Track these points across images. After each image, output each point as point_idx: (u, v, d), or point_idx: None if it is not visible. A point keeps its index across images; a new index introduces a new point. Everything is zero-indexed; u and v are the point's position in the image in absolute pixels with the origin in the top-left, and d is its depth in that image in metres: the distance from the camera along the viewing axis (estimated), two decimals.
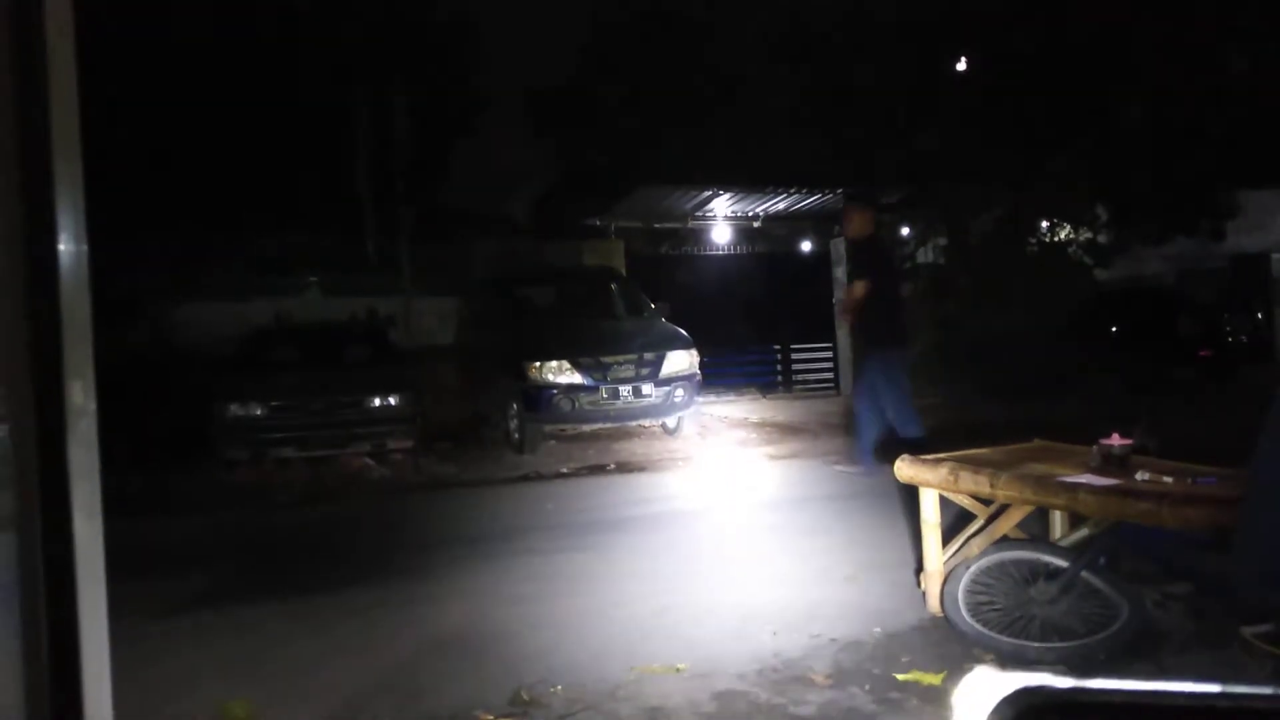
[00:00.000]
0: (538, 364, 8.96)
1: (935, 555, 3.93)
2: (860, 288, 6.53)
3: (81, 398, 1.00)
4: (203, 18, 13.66)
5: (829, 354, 14.85)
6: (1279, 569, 2.09)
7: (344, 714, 3.21)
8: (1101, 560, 3.44)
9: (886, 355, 6.62)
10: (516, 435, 9.25)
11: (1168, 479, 3.35)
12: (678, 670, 3.40)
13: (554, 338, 9.42)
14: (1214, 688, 0.75)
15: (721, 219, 14.05)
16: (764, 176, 13.16)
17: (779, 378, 15.21)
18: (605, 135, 17.48)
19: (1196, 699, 0.75)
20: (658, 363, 9.24)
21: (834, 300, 14.40)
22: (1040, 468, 3.73)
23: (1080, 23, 13.80)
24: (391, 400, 8.92)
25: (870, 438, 6.82)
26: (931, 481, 3.86)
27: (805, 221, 14.71)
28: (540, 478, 7.97)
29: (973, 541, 3.94)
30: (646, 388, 9.14)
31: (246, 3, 14.38)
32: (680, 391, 9.30)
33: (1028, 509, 3.80)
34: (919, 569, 4.21)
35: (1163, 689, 0.77)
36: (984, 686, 0.75)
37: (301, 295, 13.35)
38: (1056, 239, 15.20)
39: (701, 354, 9.72)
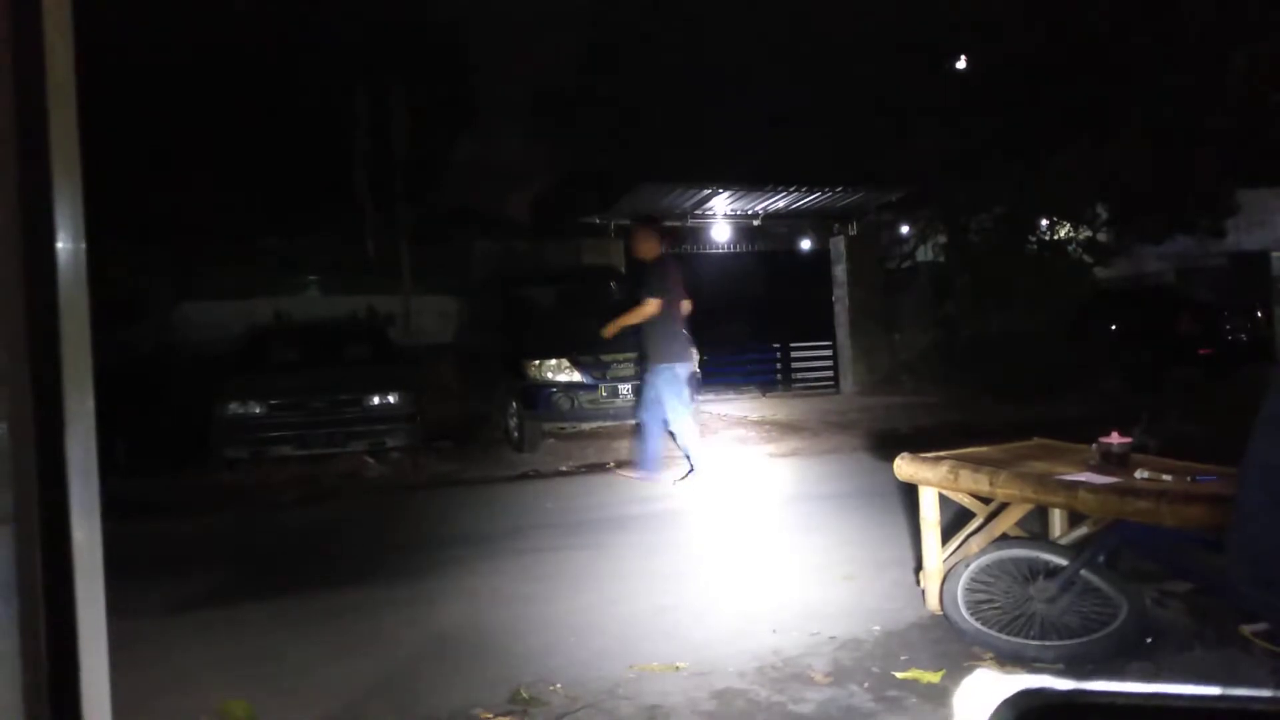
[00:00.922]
0: (537, 362, 8.96)
1: (934, 553, 3.93)
2: (653, 305, 6.87)
3: (80, 397, 1.00)
4: (204, 17, 13.64)
5: (829, 352, 14.86)
6: (1272, 568, 2.08)
7: (344, 713, 3.21)
8: (1101, 558, 3.44)
9: (674, 369, 6.98)
10: (516, 434, 9.26)
11: (1167, 477, 3.35)
12: (677, 668, 3.41)
13: (553, 336, 9.42)
14: (1214, 690, 0.74)
15: (721, 217, 14.05)
16: (764, 175, 13.16)
17: (778, 376, 15.22)
18: (605, 133, 17.47)
19: (1197, 701, 0.75)
20: None
21: (836, 300, 14.42)
22: (1040, 466, 3.73)
23: (1081, 21, 13.80)
24: (391, 399, 8.92)
25: (655, 446, 7.25)
26: (931, 480, 3.87)
27: (805, 220, 14.71)
28: (540, 476, 7.97)
29: (972, 540, 3.94)
30: None
31: (247, 1, 14.37)
32: None
33: (1027, 507, 3.80)
34: (918, 567, 4.22)
35: (1164, 691, 0.77)
36: (984, 688, 0.74)
37: (301, 294, 13.35)
38: (1056, 237, 15.20)
39: (701, 352, 9.70)
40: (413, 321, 13.02)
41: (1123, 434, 3.63)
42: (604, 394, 9.02)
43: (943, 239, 15.38)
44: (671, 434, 7.21)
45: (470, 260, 13.56)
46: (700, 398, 10.00)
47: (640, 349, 7.06)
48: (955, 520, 4.15)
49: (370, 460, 8.75)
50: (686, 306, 7.03)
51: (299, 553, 5.82)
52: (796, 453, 8.71)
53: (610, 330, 7.07)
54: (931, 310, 14.80)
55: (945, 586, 3.69)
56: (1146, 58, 13.75)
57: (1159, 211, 15.55)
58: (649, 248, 7.17)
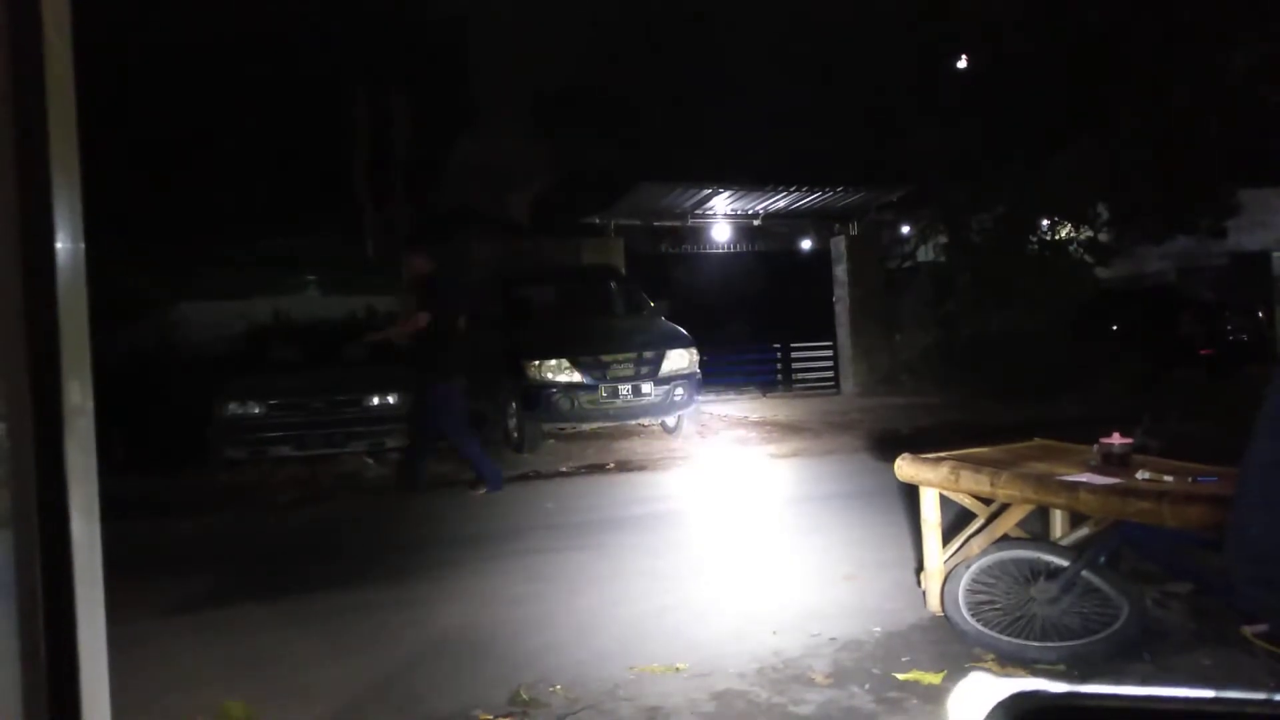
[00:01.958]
0: (537, 363, 8.96)
1: (935, 554, 3.93)
2: (423, 319, 7.11)
3: (79, 397, 1.00)
4: (204, 17, 13.65)
5: (829, 352, 14.85)
6: (1272, 569, 2.08)
7: (344, 714, 3.20)
8: (1102, 559, 3.44)
9: (447, 385, 7.17)
10: (516, 434, 9.25)
11: (1168, 478, 3.34)
12: (677, 670, 3.40)
13: (553, 336, 9.42)
14: (1208, 693, 0.74)
15: (721, 217, 14.04)
16: (764, 174, 13.16)
17: (779, 376, 15.22)
18: (605, 133, 17.48)
19: (1190, 704, 0.75)
20: (657, 361, 9.23)
21: (838, 299, 14.43)
22: (1041, 466, 3.72)
23: (1082, 21, 13.80)
24: (390, 399, 8.91)
25: (423, 462, 7.56)
26: (932, 480, 3.86)
27: (805, 220, 14.71)
28: (540, 477, 7.96)
29: (973, 540, 3.94)
30: (646, 386, 9.13)
31: (248, 1, 14.37)
32: (680, 390, 9.29)
33: (1028, 508, 3.79)
34: (919, 568, 4.21)
35: (1157, 694, 0.76)
36: (979, 691, 0.74)
37: (300, 294, 13.35)
38: (1057, 237, 15.20)
39: (701, 352, 9.71)
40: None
41: (1124, 435, 3.63)
42: (604, 394, 9.02)
43: (943, 239, 15.37)
44: (458, 451, 7.52)
45: (470, 260, 13.55)
46: (701, 398, 10.01)
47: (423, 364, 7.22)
48: (956, 521, 4.15)
49: (369, 461, 8.74)
50: (423, 321, 7.16)
51: (299, 553, 5.82)
52: (797, 453, 8.71)
53: (374, 336, 7.64)
54: (932, 310, 14.79)
55: (946, 587, 3.68)
56: (1146, 58, 13.75)
57: (1159, 211, 15.54)
58: (419, 268, 7.48)
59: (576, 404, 8.94)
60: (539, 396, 8.88)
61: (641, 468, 8.23)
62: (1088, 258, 15.15)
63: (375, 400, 8.90)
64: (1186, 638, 3.47)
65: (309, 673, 3.59)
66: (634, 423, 9.88)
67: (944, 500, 3.95)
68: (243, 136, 14.16)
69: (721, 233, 14.44)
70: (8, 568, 0.97)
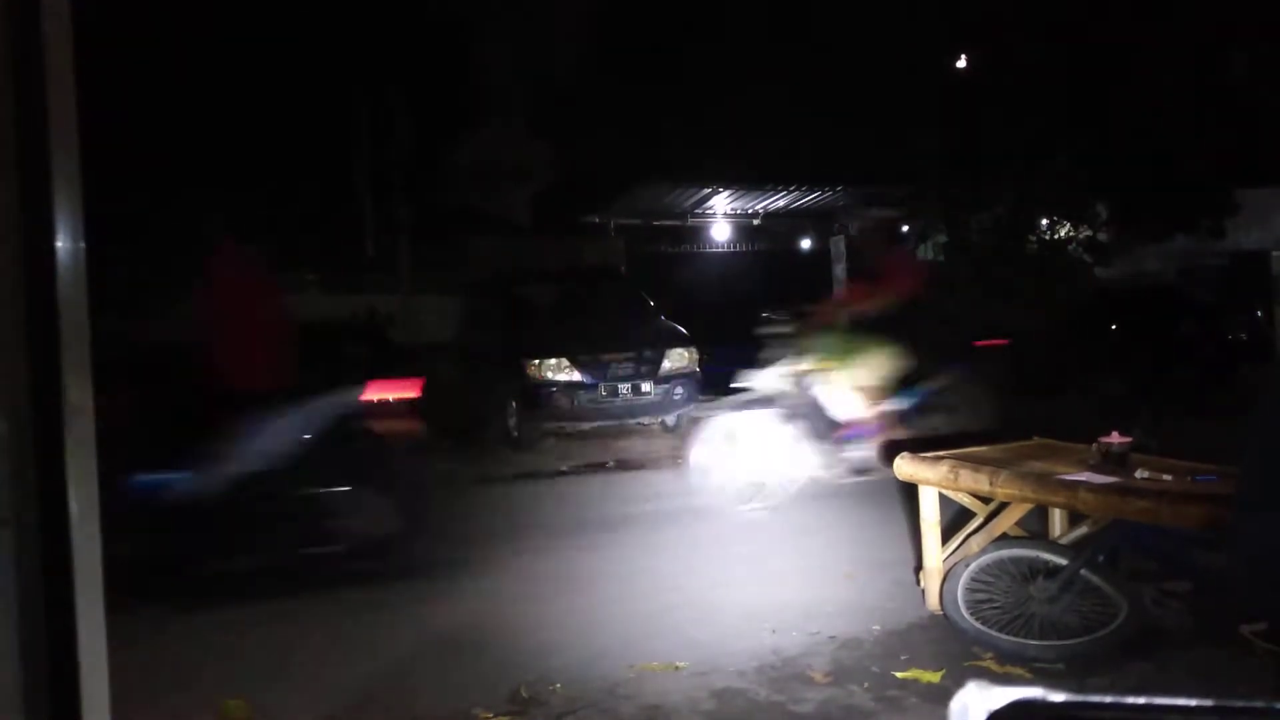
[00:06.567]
0: (537, 362, 8.95)
1: (934, 553, 3.93)
2: None
3: (79, 395, 1.00)
4: (203, 12, 13.64)
5: None
6: (1272, 568, 2.08)
7: (344, 713, 3.21)
8: (1101, 558, 3.44)
9: None
10: (515, 433, 9.25)
11: (1167, 477, 3.35)
12: (677, 668, 3.40)
13: (553, 335, 9.41)
14: (1207, 702, 0.74)
15: (721, 216, 14.05)
16: (764, 174, 13.16)
17: None
18: (605, 132, 17.46)
19: (1190, 713, 0.74)
20: (657, 360, 9.23)
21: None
22: (1040, 465, 3.73)
23: (1082, 21, 13.80)
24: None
25: None
26: (931, 479, 3.86)
27: (805, 219, 14.72)
28: (539, 476, 7.96)
29: (972, 539, 3.94)
30: (646, 385, 9.13)
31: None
32: (680, 389, 9.29)
33: (1027, 507, 3.79)
34: (918, 567, 4.22)
35: (1156, 702, 0.76)
36: (975, 700, 0.74)
37: (300, 293, 13.33)
38: (1057, 237, 15.19)
39: (701, 352, 9.71)
40: (412, 321, 13.02)
41: (1122, 434, 3.63)
42: (604, 393, 9.02)
43: (943, 239, 15.37)
44: None
45: (470, 259, 13.55)
46: (701, 398, 10.00)
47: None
48: (955, 520, 4.15)
49: None
50: None
51: (298, 553, 5.80)
52: None
53: None
54: (931, 309, 14.78)
55: (945, 586, 3.68)
56: (1146, 57, 13.75)
57: (1159, 211, 15.54)
58: None
59: (576, 403, 8.94)
60: (539, 395, 8.88)
61: (641, 467, 8.23)
62: (1087, 257, 15.15)
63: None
64: (1186, 637, 3.47)
65: (309, 672, 3.59)
66: (633, 422, 9.87)
67: (943, 499, 3.95)
68: (244, 134, 14.15)
69: (721, 232, 14.44)
70: (8, 568, 0.98)
